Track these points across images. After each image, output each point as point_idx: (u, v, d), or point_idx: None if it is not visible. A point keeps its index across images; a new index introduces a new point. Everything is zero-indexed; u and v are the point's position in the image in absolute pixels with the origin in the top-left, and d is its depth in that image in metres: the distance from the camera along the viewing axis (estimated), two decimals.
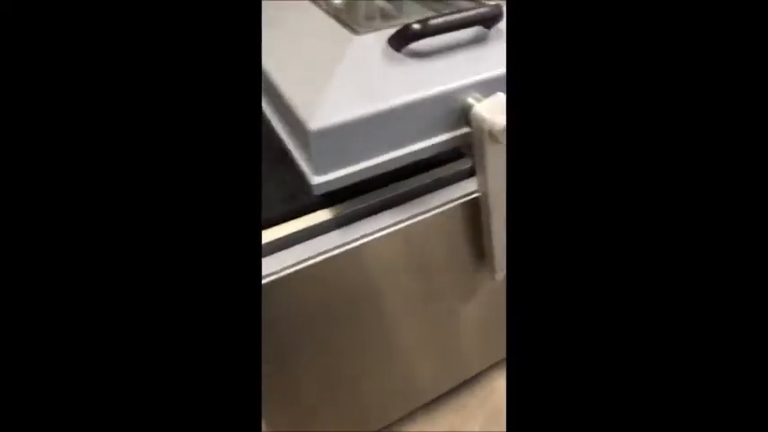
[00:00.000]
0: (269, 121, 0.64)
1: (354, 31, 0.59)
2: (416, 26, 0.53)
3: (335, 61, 0.55)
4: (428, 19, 0.54)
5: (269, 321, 0.61)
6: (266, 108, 0.66)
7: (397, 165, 0.57)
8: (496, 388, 1.10)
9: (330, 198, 0.63)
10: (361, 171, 0.55)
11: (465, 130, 0.59)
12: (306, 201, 0.63)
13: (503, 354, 1.08)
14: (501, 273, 0.74)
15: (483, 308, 0.87)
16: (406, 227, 0.63)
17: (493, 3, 0.59)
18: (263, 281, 0.57)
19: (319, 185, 0.53)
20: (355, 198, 0.64)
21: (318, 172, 0.53)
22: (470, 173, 0.70)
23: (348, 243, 0.60)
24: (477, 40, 0.59)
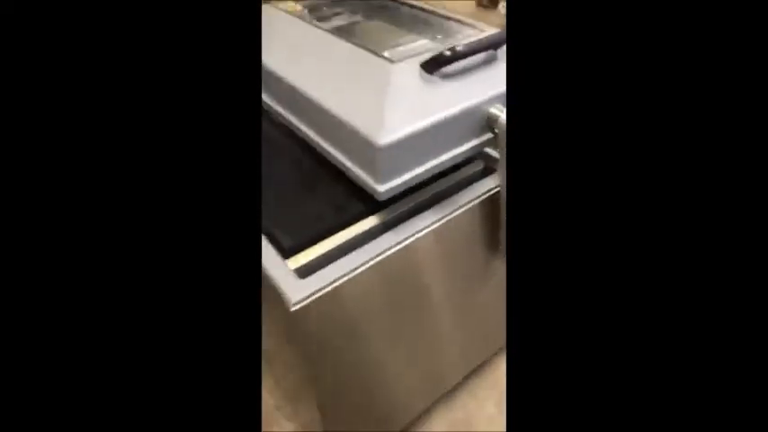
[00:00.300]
0: (319, 145, 0.71)
1: (388, 59, 0.69)
2: (447, 53, 0.64)
3: (381, 86, 0.65)
4: (455, 47, 0.65)
5: (337, 321, 0.67)
6: (308, 132, 0.74)
7: (440, 169, 0.67)
8: (504, 371, 1.21)
9: (376, 206, 0.72)
10: (413, 177, 0.64)
11: (488, 135, 0.70)
12: (355, 210, 0.71)
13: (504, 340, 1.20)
14: None
15: (492, 295, 0.98)
16: (440, 225, 0.73)
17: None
18: (335, 284, 0.64)
19: (384, 192, 0.62)
20: (394, 204, 0.73)
21: (383, 181, 0.62)
22: (483, 174, 0.81)
23: (400, 242, 0.69)
24: (488, 61, 0.71)
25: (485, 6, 3.35)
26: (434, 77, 0.67)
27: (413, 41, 0.89)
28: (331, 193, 0.74)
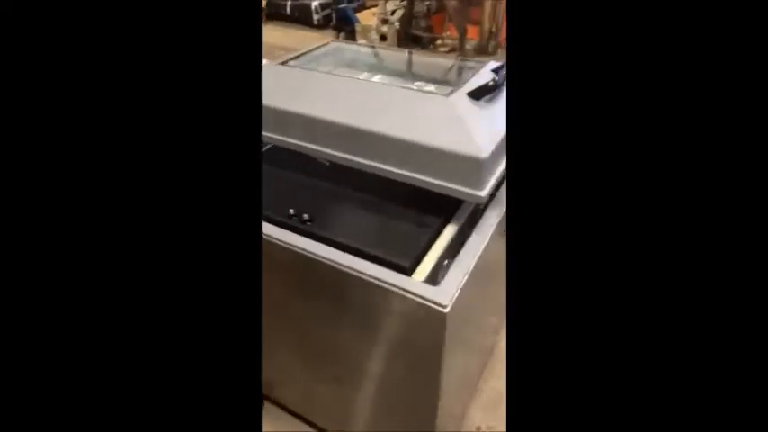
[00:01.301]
0: (403, 176, 0.82)
1: (441, 94, 0.84)
2: (491, 83, 0.82)
3: (450, 115, 0.79)
4: (494, 79, 0.83)
5: (466, 313, 0.78)
6: (385, 167, 0.83)
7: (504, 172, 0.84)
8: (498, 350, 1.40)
9: (448, 216, 0.85)
10: (496, 181, 0.79)
11: None
12: (434, 224, 0.83)
13: None
14: None
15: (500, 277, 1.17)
16: (501, 218, 0.89)
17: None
18: (464, 281, 0.75)
19: (485, 196, 0.76)
20: (458, 212, 0.87)
21: (482, 187, 0.76)
22: None
23: (485, 238, 0.83)
24: (501, 85, 0.91)
25: None
26: (481, 103, 0.84)
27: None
28: (408, 214, 0.85)
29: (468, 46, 3.26)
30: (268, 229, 0.83)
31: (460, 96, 0.84)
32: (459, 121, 0.78)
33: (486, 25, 3.16)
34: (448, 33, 3.39)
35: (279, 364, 1.05)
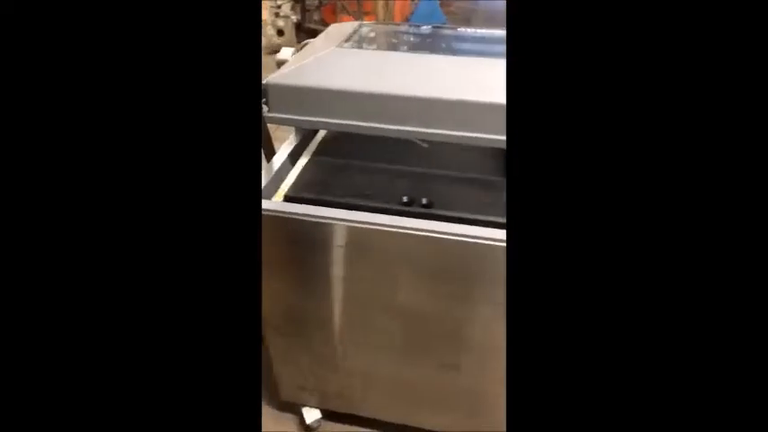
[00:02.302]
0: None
1: (498, 58, 0.89)
2: None
3: None
4: None
5: None
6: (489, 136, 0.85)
7: None
8: None
9: None
10: None
11: None
12: None
13: None
14: None
15: None
16: None
17: None
18: None
19: None
20: None
21: None
22: None
23: None
24: None
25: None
26: None
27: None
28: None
29: None
30: (387, 219, 0.80)
31: None
32: None
33: (381, 15, 3.25)
34: None
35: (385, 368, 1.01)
